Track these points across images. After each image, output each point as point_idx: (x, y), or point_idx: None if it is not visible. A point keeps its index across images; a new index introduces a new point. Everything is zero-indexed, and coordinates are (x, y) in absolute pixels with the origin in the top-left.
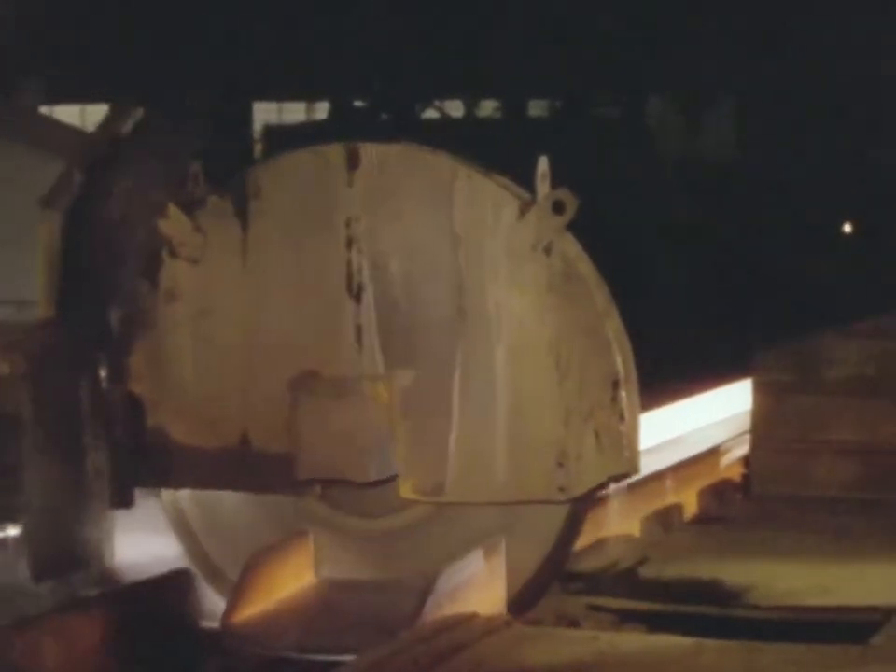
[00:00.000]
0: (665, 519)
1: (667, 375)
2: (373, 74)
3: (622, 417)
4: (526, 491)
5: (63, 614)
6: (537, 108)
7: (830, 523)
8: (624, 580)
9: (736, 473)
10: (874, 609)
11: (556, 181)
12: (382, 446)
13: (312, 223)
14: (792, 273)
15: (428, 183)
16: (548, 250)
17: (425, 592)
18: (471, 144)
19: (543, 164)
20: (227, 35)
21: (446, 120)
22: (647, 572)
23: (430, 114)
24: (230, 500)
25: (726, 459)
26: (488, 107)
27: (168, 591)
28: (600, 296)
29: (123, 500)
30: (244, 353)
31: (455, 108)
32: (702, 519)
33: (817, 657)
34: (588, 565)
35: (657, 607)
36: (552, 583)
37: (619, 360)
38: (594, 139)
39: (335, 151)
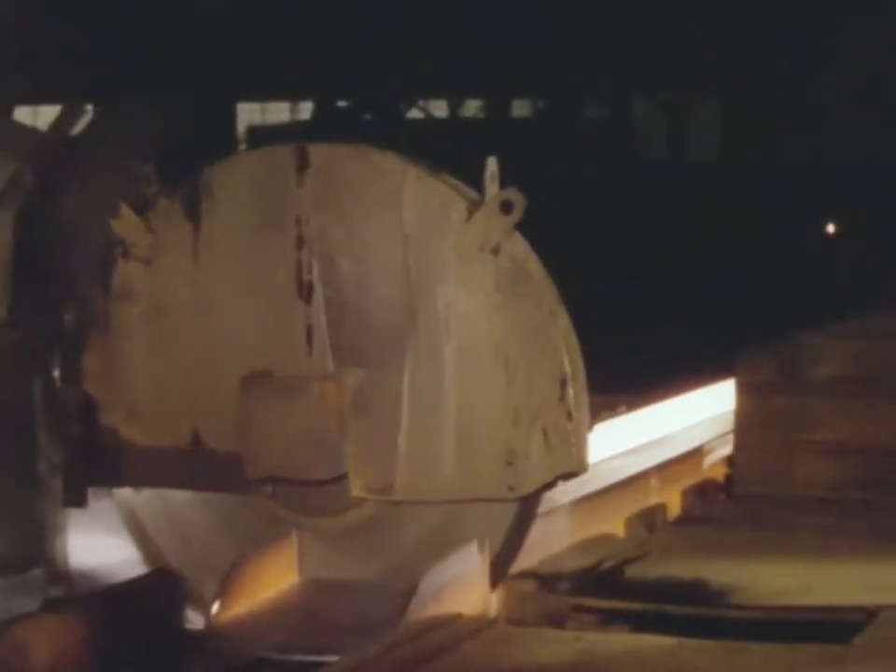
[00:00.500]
0: (649, 519)
1: (653, 375)
2: (357, 74)
3: (569, 416)
4: (475, 489)
5: (47, 614)
6: (521, 108)
7: (813, 523)
8: (608, 580)
9: (720, 473)
10: (857, 608)
11: (507, 181)
12: (332, 445)
13: (262, 224)
14: (777, 271)
15: (378, 183)
16: (496, 251)
17: (409, 592)
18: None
19: (492, 165)
20: (211, 35)
21: (430, 120)
22: (631, 572)
23: (414, 114)
24: (183, 499)
25: (710, 459)
26: (472, 107)
27: (152, 591)
28: (548, 295)
29: (77, 499)
30: (196, 353)
31: (440, 108)
32: (686, 519)
33: (800, 657)
34: (572, 565)
35: (641, 607)
36: (500, 582)
37: (566, 359)
38: (580, 139)
39: (285, 152)
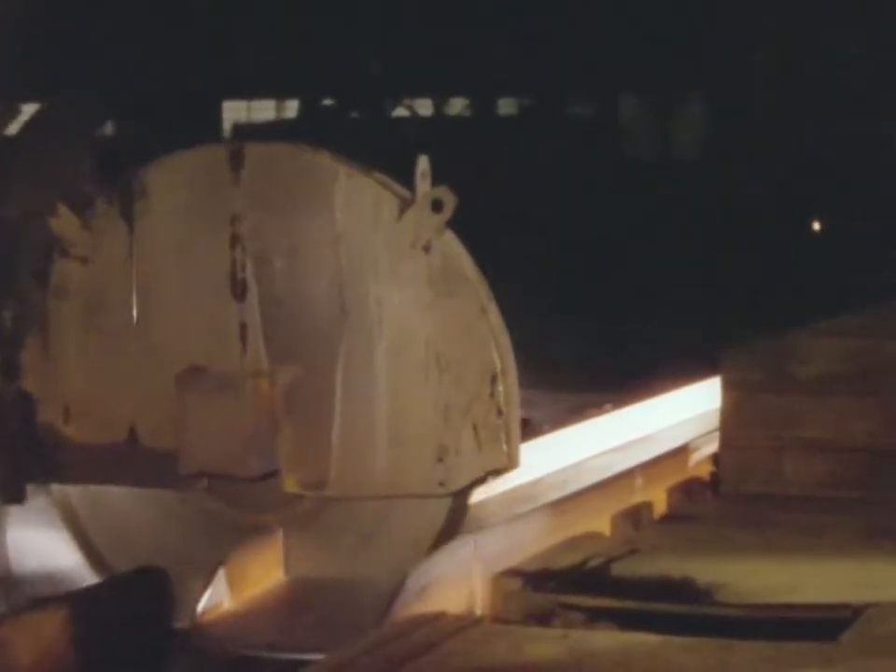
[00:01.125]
0: (636, 517)
1: (639, 372)
2: (343, 73)
3: (500, 412)
4: (407, 485)
5: (30, 613)
6: (507, 107)
7: (799, 521)
8: (595, 577)
9: (706, 471)
10: (844, 606)
11: (437, 180)
12: (265, 441)
13: (198, 222)
14: (762, 270)
15: (311, 182)
16: (427, 248)
17: (394, 590)
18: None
19: (423, 163)
20: (197, 34)
21: (416, 119)
22: (617, 570)
23: (400, 112)
24: (119, 495)
25: (696, 457)
26: (458, 105)
27: (138, 589)
28: (479, 292)
29: (15, 495)
30: (133, 350)
31: (425, 107)
32: (672, 517)
33: (787, 654)
34: (558, 563)
35: (628, 605)
36: None
37: (497, 356)
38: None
39: (220, 151)
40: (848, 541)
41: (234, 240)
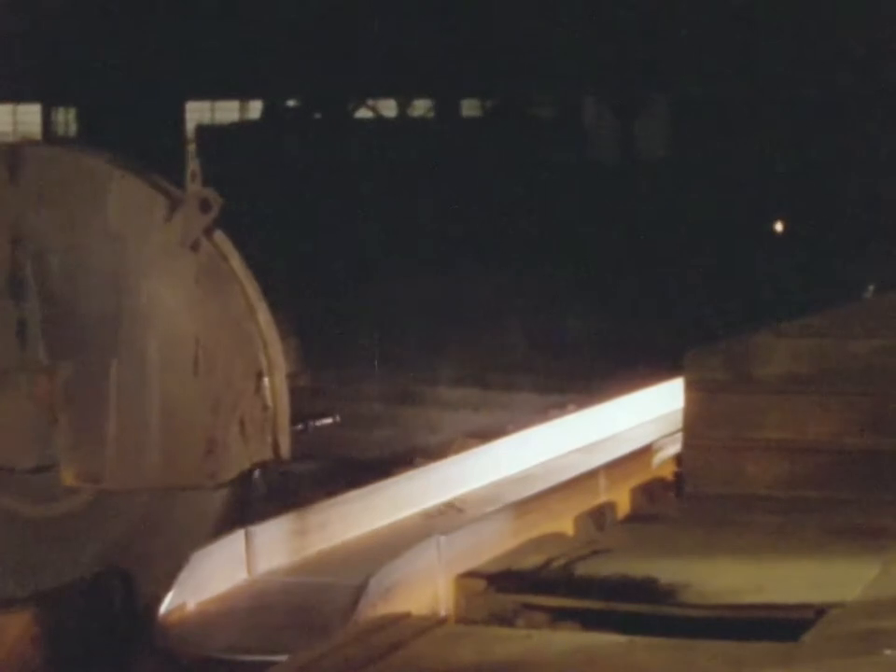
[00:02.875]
0: (599, 517)
1: (602, 373)
2: (306, 74)
3: (265, 407)
4: (179, 477)
5: None
6: (470, 108)
7: (762, 521)
8: (558, 578)
9: (669, 471)
10: (806, 606)
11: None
12: (43, 435)
13: None
14: (724, 271)
15: (87, 182)
16: (195, 247)
17: (358, 591)
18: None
19: (193, 164)
20: (160, 35)
21: (379, 120)
22: (581, 571)
23: (363, 113)
24: None
25: (659, 457)
26: (421, 107)
27: (101, 591)
28: (248, 291)
29: None
30: None
31: (389, 108)
32: (635, 517)
33: (749, 654)
34: (522, 563)
35: (591, 605)
36: None
37: (263, 353)
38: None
39: None
40: (811, 541)
41: (14, 238)
